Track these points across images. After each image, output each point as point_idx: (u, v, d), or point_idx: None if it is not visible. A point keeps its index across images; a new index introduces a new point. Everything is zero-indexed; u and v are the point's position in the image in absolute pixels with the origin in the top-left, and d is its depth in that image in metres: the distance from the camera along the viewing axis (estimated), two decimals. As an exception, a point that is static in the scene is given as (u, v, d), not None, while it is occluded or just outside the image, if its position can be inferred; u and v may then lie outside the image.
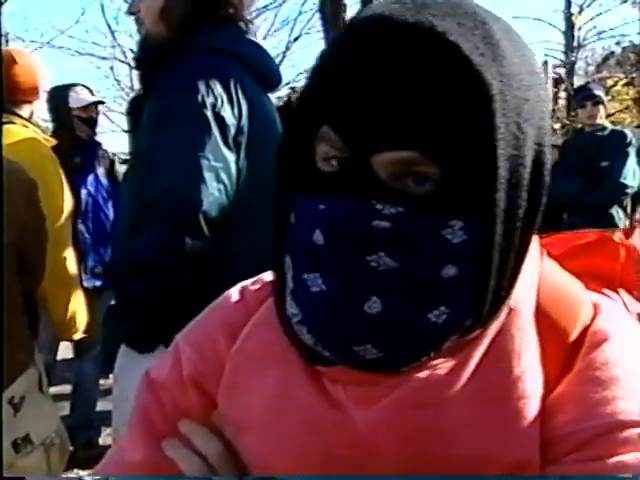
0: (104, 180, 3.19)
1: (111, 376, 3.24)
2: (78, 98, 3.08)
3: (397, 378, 0.55)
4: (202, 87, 1.33)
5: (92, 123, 3.17)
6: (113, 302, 1.58)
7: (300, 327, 0.55)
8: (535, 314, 0.58)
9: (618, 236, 0.69)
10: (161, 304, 1.31)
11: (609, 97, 11.93)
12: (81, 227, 2.99)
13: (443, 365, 0.55)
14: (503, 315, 0.57)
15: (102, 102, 3.33)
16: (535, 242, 0.63)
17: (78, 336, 2.43)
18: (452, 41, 0.49)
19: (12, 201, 1.58)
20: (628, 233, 0.69)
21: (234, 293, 0.71)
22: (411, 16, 0.50)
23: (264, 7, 9.69)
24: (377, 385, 0.56)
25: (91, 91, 3.28)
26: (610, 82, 11.90)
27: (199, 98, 1.32)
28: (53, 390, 3.49)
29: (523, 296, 0.58)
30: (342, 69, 0.52)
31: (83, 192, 3.03)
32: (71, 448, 3.12)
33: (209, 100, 1.32)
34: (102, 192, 3.15)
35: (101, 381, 3.55)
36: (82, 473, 2.94)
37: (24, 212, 1.62)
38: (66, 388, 3.67)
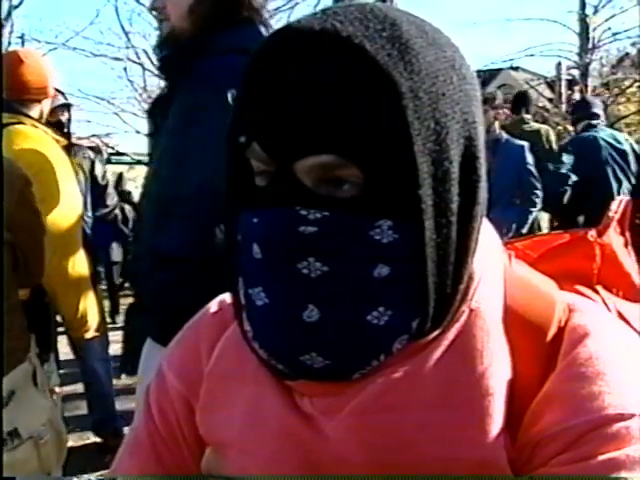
0: (82, 182, 3.23)
1: (123, 375, 3.28)
2: None
3: (358, 385, 0.56)
4: (231, 85, 1.35)
5: (61, 126, 3.20)
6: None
7: (254, 343, 0.56)
8: (504, 315, 0.58)
9: (592, 235, 0.69)
10: (189, 297, 1.33)
11: (624, 99, 11.85)
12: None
13: (401, 368, 0.56)
14: (464, 317, 0.57)
15: (68, 105, 3.33)
16: (496, 242, 0.64)
17: (90, 334, 2.46)
18: (357, 43, 0.51)
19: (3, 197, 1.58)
20: (601, 231, 0.70)
21: (212, 306, 0.72)
22: (318, 24, 0.52)
23: (277, 9, 9.66)
24: (340, 395, 0.56)
25: (63, 94, 3.31)
26: (625, 83, 11.79)
27: (229, 96, 1.33)
28: (69, 388, 3.54)
29: (487, 297, 0.58)
30: (258, 83, 0.53)
31: None
32: (100, 440, 3.20)
33: None
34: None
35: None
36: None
37: (16, 208, 1.62)
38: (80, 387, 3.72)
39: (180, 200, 1.35)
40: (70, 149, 3.20)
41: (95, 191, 3.44)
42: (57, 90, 3.28)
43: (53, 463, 1.74)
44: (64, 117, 3.26)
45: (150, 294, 1.44)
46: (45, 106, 2.51)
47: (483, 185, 0.56)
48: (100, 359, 3.17)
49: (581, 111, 4.64)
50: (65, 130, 3.26)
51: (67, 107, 3.31)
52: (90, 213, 3.29)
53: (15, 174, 1.66)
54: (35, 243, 1.76)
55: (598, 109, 4.67)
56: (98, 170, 3.49)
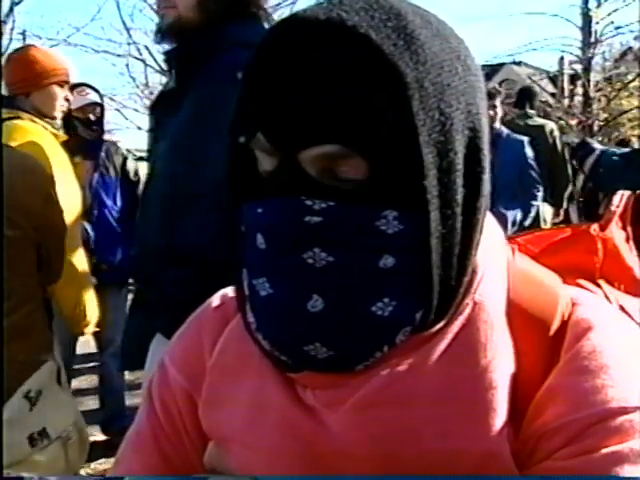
0: (112, 177, 3.25)
1: (126, 372, 3.29)
2: (76, 99, 3.05)
3: (361, 377, 0.55)
4: None
5: (90, 123, 3.19)
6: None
7: (257, 334, 0.56)
8: (507, 308, 0.58)
9: (594, 229, 0.69)
10: (205, 293, 1.33)
11: (626, 93, 11.81)
12: (86, 225, 3.03)
13: (405, 361, 0.55)
14: (468, 309, 0.57)
15: (99, 104, 3.32)
16: (500, 236, 0.64)
17: (90, 330, 2.46)
18: (362, 33, 0.51)
19: (30, 199, 1.59)
20: (603, 226, 0.70)
21: (215, 300, 0.72)
22: (323, 14, 0.52)
23: (278, 4, 9.65)
24: (343, 387, 0.56)
25: (98, 92, 3.30)
26: (628, 77, 11.74)
27: None
28: (75, 384, 3.55)
29: (490, 290, 0.58)
30: (263, 73, 0.53)
31: (87, 191, 3.08)
32: (105, 438, 3.21)
33: None
34: (108, 190, 3.21)
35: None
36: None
37: (43, 210, 1.64)
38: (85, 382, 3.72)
39: (196, 197, 1.34)
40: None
41: (125, 187, 3.38)
42: (91, 88, 3.27)
43: (78, 463, 1.74)
44: (93, 115, 3.24)
45: (162, 290, 1.43)
46: (37, 99, 2.45)
47: (487, 177, 0.56)
48: (113, 353, 3.18)
49: (583, 151, 5.21)
50: (94, 127, 3.23)
51: (100, 106, 3.29)
52: (119, 209, 3.26)
53: (42, 174, 1.68)
54: (59, 242, 1.78)
55: (595, 143, 5.62)
56: (130, 166, 3.46)
